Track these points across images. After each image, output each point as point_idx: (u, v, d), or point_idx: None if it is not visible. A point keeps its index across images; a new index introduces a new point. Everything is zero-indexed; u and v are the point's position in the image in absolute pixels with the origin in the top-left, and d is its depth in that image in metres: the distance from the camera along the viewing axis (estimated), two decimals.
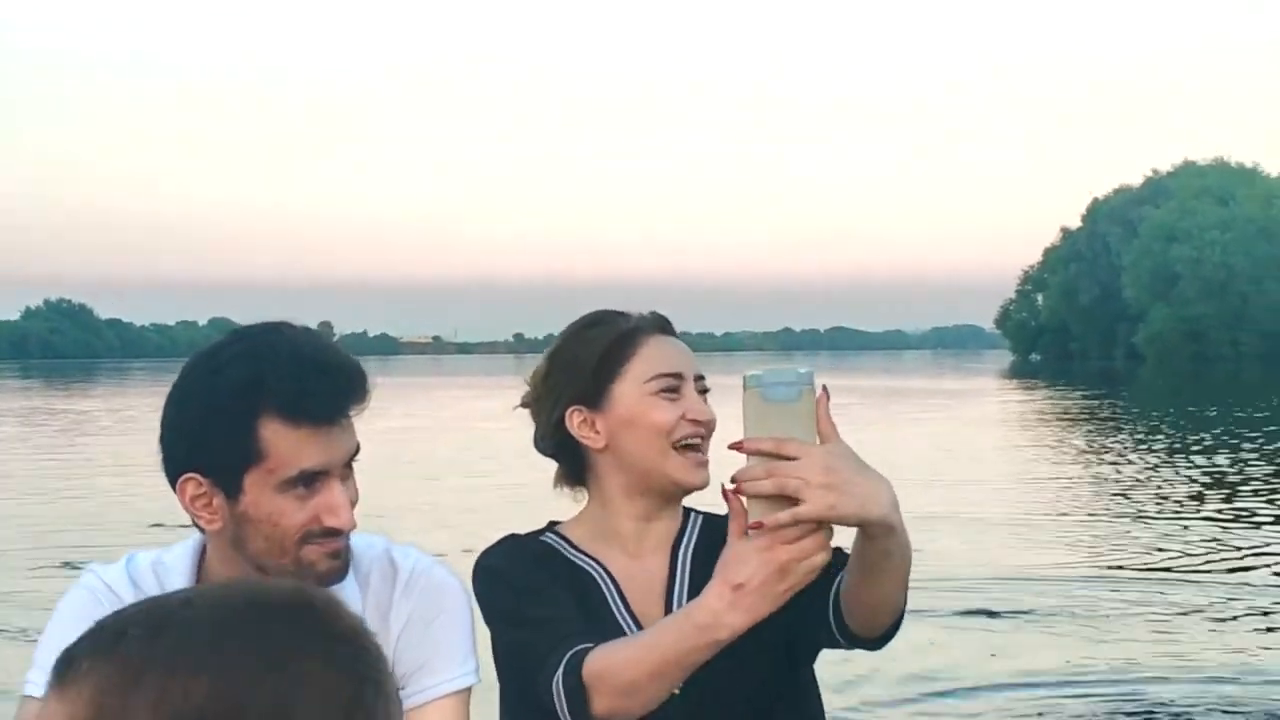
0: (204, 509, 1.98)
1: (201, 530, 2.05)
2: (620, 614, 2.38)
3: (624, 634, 2.30)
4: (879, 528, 1.99)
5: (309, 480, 1.96)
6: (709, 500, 2.34)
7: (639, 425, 2.34)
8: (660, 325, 2.45)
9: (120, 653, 0.92)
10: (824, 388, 1.97)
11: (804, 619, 2.23)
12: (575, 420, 2.37)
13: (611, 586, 2.40)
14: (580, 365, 2.38)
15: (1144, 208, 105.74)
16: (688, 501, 2.47)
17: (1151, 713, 6.52)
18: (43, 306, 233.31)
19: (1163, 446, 21.77)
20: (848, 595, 2.18)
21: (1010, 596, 9.10)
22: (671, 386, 2.36)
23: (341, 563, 2.03)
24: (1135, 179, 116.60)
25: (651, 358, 2.37)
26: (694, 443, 2.36)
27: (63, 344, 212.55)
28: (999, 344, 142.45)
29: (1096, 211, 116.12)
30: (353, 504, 2.02)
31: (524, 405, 2.48)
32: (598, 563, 2.41)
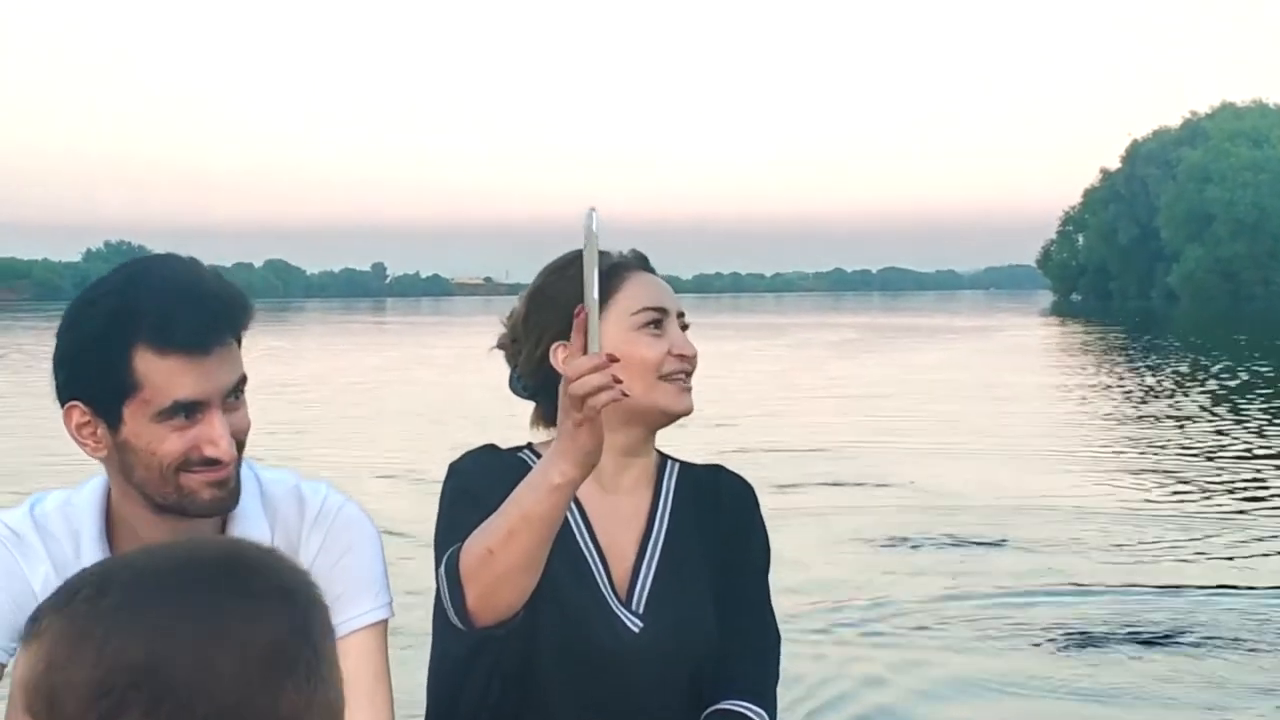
0: (89, 437, 1.97)
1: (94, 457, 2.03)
2: (585, 543, 2.38)
3: (586, 562, 2.37)
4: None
5: (188, 410, 1.92)
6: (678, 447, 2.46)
7: (626, 360, 2.27)
8: (641, 263, 2.45)
9: (71, 610, 1.01)
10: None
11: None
12: (560, 355, 2.33)
13: (578, 515, 2.39)
14: (565, 301, 2.28)
15: (1181, 149, 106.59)
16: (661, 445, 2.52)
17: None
18: (102, 248, 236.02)
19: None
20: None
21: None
22: (656, 320, 2.37)
23: (226, 493, 1.98)
24: (1174, 120, 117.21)
25: (636, 293, 2.38)
26: (679, 377, 2.39)
27: None
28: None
29: (1135, 153, 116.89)
30: (243, 433, 1.99)
31: (499, 347, 2.48)
32: None
